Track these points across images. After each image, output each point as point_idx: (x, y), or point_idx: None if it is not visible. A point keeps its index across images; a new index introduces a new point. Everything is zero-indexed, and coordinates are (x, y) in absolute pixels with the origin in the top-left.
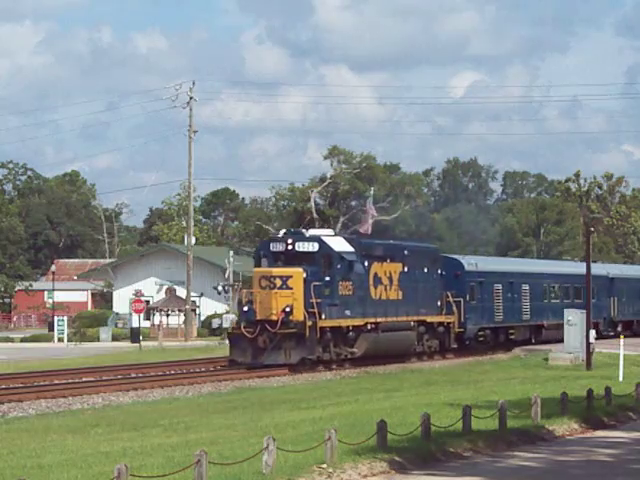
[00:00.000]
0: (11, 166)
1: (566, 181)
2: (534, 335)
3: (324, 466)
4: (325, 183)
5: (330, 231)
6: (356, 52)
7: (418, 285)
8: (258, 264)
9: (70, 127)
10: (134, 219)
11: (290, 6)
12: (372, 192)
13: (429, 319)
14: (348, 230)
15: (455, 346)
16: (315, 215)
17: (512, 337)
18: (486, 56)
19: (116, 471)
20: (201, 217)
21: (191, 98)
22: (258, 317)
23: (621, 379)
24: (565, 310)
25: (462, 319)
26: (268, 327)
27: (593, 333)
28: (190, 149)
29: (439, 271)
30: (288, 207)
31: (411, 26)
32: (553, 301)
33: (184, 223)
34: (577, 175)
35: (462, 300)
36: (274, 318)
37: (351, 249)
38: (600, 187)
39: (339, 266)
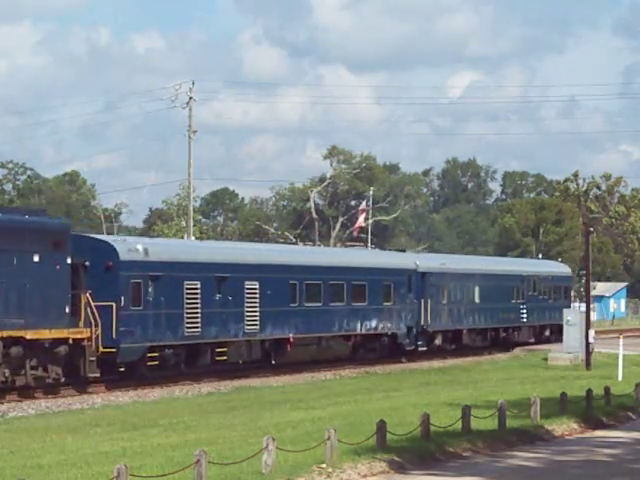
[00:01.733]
0: (11, 166)
1: (565, 181)
2: (273, 353)
3: (324, 466)
4: (325, 183)
5: None
6: (354, 52)
7: (15, 281)
8: None
9: (69, 127)
10: (134, 219)
11: (288, 6)
12: (371, 192)
13: (32, 335)
14: (347, 231)
15: (97, 375)
16: (315, 215)
17: (223, 358)
18: (484, 56)
19: (116, 471)
20: (201, 217)
21: (190, 98)
22: None
23: (620, 379)
24: (564, 310)
25: (114, 334)
26: None
27: (592, 333)
28: (190, 149)
29: (69, 260)
30: (288, 207)
31: (409, 26)
32: (309, 305)
33: (184, 223)
34: (576, 175)
35: (114, 305)
36: None
37: None
38: (599, 187)
39: None
